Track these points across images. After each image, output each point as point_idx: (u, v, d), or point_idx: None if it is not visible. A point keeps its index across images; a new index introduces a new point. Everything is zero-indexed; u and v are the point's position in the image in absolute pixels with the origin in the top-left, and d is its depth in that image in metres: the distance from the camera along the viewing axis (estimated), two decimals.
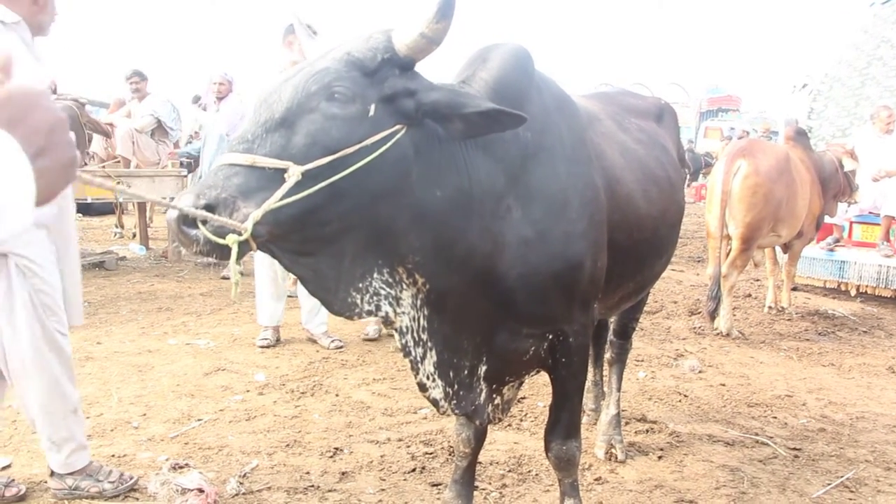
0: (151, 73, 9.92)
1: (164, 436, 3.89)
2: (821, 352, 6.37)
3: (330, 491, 3.33)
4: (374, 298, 2.07)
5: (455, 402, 2.36)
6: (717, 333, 6.65)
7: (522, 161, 2.26)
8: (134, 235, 10.72)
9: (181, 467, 3.45)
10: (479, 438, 2.94)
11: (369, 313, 2.07)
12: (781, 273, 7.91)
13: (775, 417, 4.66)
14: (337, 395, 4.60)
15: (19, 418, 3.86)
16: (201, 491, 3.14)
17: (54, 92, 7.42)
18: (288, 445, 3.81)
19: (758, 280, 9.26)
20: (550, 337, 2.50)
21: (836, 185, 7.78)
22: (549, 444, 2.74)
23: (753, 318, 7.51)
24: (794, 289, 8.81)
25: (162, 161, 9.66)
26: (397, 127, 1.93)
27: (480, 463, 3.59)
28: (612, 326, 4.04)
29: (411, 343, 2.21)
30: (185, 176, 9.46)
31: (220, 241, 1.70)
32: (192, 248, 1.72)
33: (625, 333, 4.02)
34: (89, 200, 8.74)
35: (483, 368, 2.40)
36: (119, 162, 9.51)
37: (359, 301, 2.04)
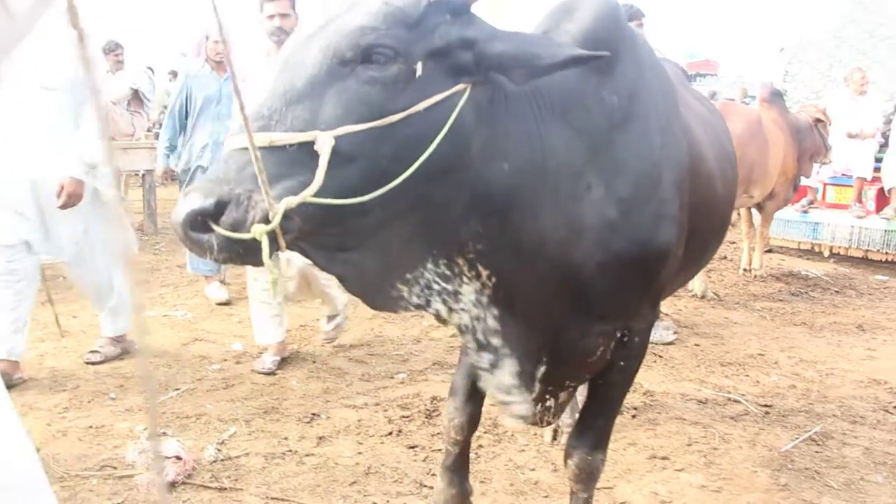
0: (127, 43, 9.78)
1: (142, 406, 3.89)
2: (793, 311, 6.48)
3: (308, 455, 3.36)
4: (425, 293, 1.77)
5: (537, 415, 2.11)
6: (693, 295, 6.73)
7: (608, 131, 1.91)
8: None
9: (161, 435, 3.47)
10: (472, 425, 2.61)
11: (418, 307, 1.78)
12: (756, 235, 8.00)
13: (747, 376, 4.75)
14: (314, 363, 4.63)
15: None
16: (179, 458, 3.16)
17: None
18: (265, 412, 3.84)
19: (733, 242, 9.34)
20: (618, 335, 2.17)
21: (811, 145, 7.84)
22: (572, 451, 2.35)
23: (728, 280, 7.61)
24: (769, 251, 8.94)
25: (136, 133, 9.55)
26: (457, 88, 1.60)
27: None
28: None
29: (474, 346, 1.92)
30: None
31: (243, 236, 1.39)
32: (207, 254, 1.42)
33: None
34: None
35: (541, 370, 2.08)
36: None
37: (406, 293, 1.75)
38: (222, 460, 3.30)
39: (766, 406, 4.19)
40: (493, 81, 1.68)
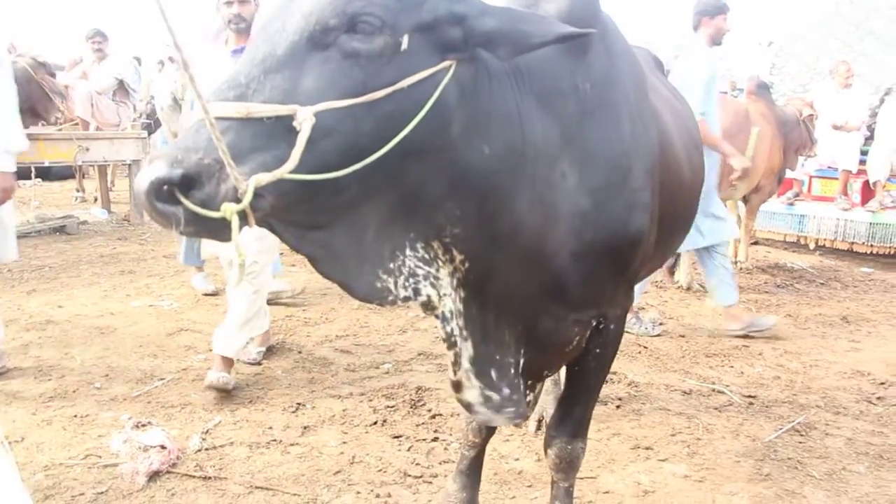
0: (112, 33, 9.71)
1: (127, 395, 3.88)
2: (779, 303, 6.51)
3: (292, 445, 3.37)
4: (412, 280, 1.71)
5: (490, 405, 1.99)
6: (678, 287, 6.75)
7: (581, 118, 1.88)
8: (95, 199, 10.57)
9: (143, 425, 3.46)
10: (490, 428, 2.57)
11: (406, 299, 1.72)
12: (742, 228, 8.03)
13: (732, 367, 4.77)
14: (300, 353, 4.62)
15: None
16: (163, 447, 3.16)
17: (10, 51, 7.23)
18: (251, 402, 3.83)
19: None
20: (594, 323, 2.16)
21: (797, 138, 7.86)
22: (552, 440, 2.36)
23: None
24: (755, 243, 8.99)
25: (122, 123, 9.50)
26: (443, 65, 1.53)
27: (441, 415, 3.66)
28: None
29: (457, 332, 1.85)
30: (146, 138, 9.33)
31: (212, 213, 1.31)
32: (173, 227, 1.32)
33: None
34: (47, 164, 8.56)
35: (521, 362, 2.04)
36: (77, 124, 9.33)
37: (392, 286, 1.67)
38: (207, 449, 3.30)
39: (749, 397, 4.22)
40: (477, 59, 1.63)
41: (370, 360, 4.51)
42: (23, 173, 10.78)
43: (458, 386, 1.94)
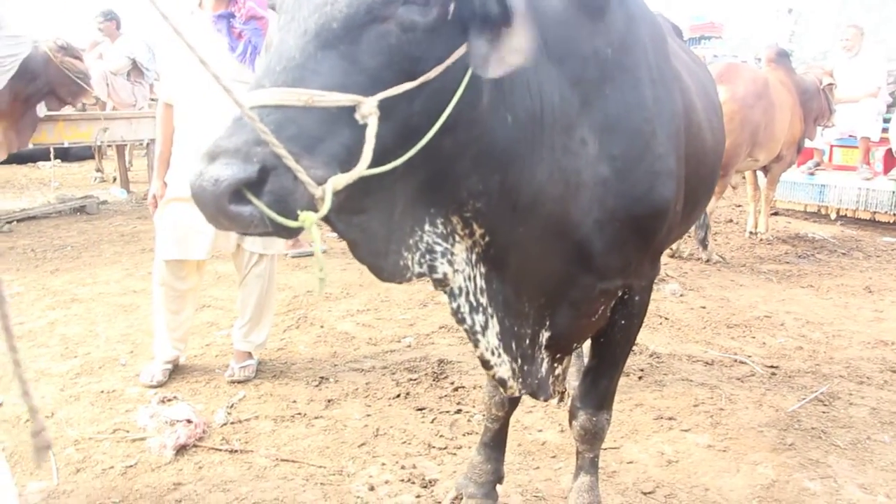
0: (124, 13, 9.71)
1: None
2: (800, 274, 6.47)
3: (317, 418, 3.39)
4: (428, 257, 1.65)
5: (521, 379, 1.97)
6: (698, 259, 6.71)
7: (600, 84, 1.81)
8: (115, 179, 10.62)
9: (169, 400, 3.50)
10: (513, 401, 2.57)
11: (420, 276, 1.66)
12: (762, 198, 7.96)
13: (754, 337, 4.75)
14: (322, 327, 4.65)
15: None
16: (189, 421, 3.20)
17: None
18: (274, 376, 3.87)
19: (739, 206, 9.32)
20: (619, 294, 2.13)
21: (817, 107, 7.76)
22: (577, 411, 2.36)
23: (735, 243, 7.59)
24: (776, 213, 8.92)
25: (138, 103, 9.52)
26: (472, 36, 1.45)
27: (464, 387, 3.68)
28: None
29: (466, 309, 1.80)
30: None
31: (291, 224, 1.19)
32: (246, 229, 1.21)
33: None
34: (66, 145, 8.60)
35: (546, 335, 2.02)
36: (95, 105, 9.36)
37: (410, 262, 1.62)
38: (232, 423, 3.33)
39: (772, 367, 4.21)
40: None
41: (392, 334, 4.53)
42: (42, 154, 10.96)
43: (487, 364, 1.90)
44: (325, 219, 1.31)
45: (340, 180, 1.23)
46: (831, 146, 9.04)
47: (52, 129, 7.92)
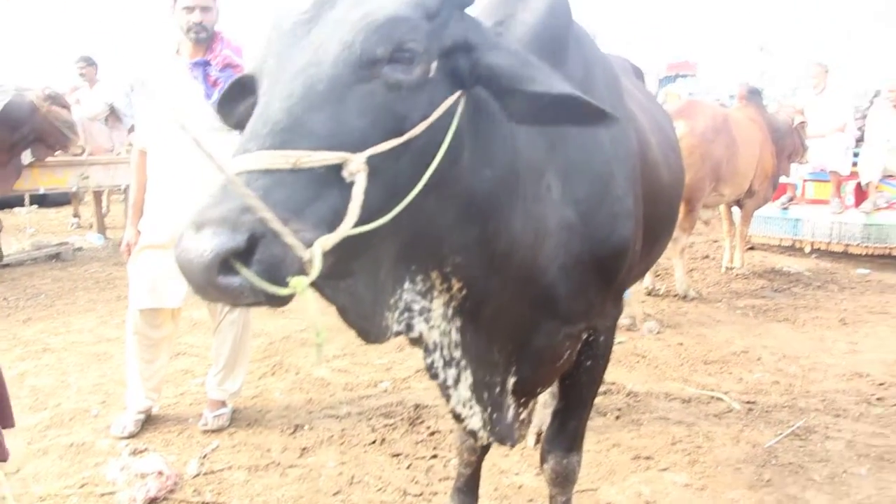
0: (101, 58, 9.75)
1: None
2: (776, 308, 6.51)
3: (291, 466, 3.35)
4: (406, 315, 1.61)
5: (491, 427, 1.94)
6: (675, 295, 6.75)
7: (563, 128, 1.81)
8: (91, 225, 10.57)
9: (141, 452, 3.45)
10: (485, 446, 2.49)
11: (398, 334, 1.62)
12: (737, 233, 8.04)
13: (731, 373, 4.77)
14: (297, 374, 4.61)
15: None
16: (161, 473, 3.14)
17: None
18: (249, 425, 3.82)
19: (716, 241, 9.39)
20: (584, 336, 2.15)
21: (790, 144, 7.89)
22: (547, 454, 2.34)
23: (711, 279, 7.64)
24: (752, 248, 9.00)
25: (115, 148, 9.51)
26: (457, 94, 1.46)
27: (440, 432, 3.65)
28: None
29: (440, 364, 1.76)
30: None
31: (282, 291, 1.13)
32: (237, 301, 1.16)
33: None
34: (42, 191, 8.56)
35: (512, 381, 2.00)
36: (81, 153, 9.34)
37: (390, 321, 1.57)
38: (205, 474, 3.28)
39: (749, 403, 4.21)
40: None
41: (368, 379, 4.50)
42: (17, 200, 10.89)
43: (458, 417, 1.87)
44: (315, 286, 1.24)
45: (328, 240, 1.18)
46: (804, 181, 9.16)
47: (28, 174, 7.88)
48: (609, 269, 2.01)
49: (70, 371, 4.68)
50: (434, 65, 1.39)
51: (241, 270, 1.11)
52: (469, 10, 1.61)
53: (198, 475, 3.27)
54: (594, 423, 3.84)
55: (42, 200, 12.40)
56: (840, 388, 4.47)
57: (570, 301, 1.94)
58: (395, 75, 1.33)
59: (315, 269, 1.14)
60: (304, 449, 3.53)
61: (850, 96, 8.88)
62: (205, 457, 3.44)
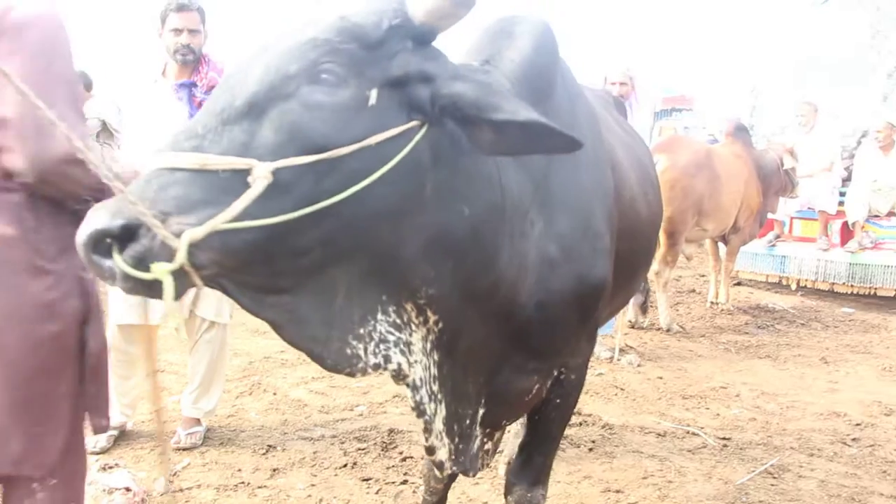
0: (95, 74, 9.79)
1: (97, 438, 3.85)
2: (758, 344, 6.54)
3: (260, 487, 3.34)
4: (382, 347, 1.60)
5: (455, 458, 1.93)
6: (658, 328, 6.77)
7: (546, 164, 1.83)
8: None
9: (111, 468, 3.42)
10: (452, 476, 2.52)
11: (377, 367, 1.61)
12: (722, 269, 8.08)
13: (708, 408, 4.77)
14: (275, 394, 4.60)
15: None
16: (128, 490, 3.12)
17: None
18: (222, 444, 3.81)
19: (703, 276, 9.43)
20: (555, 372, 2.14)
21: (777, 181, 7.95)
22: (512, 486, 2.30)
23: (696, 313, 7.67)
24: (739, 283, 9.04)
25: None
26: (413, 124, 1.46)
27: (412, 457, 3.64)
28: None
29: (427, 399, 1.75)
30: None
31: (142, 275, 1.23)
32: (110, 282, 1.26)
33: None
34: None
35: (481, 412, 1.98)
36: None
37: (361, 352, 1.57)
38: (174, 492, 3.26)
39: (724, 439, 4.21)
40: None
41: (345, 402, 4.50)
42: None
43: (431, 450, 1.86)
44: (221, 287, 1.36)
45: (197, 232, 1.23)
46: (791, 218, 9.23)
47: None
48: (586, 305, 2.00)
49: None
50: (374, 92, 1.41)
51: (114, 254, 1.23)
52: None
53: (165, 493, 3.24)
54: (566, 454, 3.84)
55: None
56: (816, 427, 4.48)
57: (543, 337, 1.94)
58: (315, 96, 1.36)
59: (179, 258, 1.22)
60: (274, 470, 3.52)
61: (838, 136, 8.97)
62: (174, 474, 3.42)
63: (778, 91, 11.01)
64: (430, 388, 1.75)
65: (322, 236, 1.38)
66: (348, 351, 1.54)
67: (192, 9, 3.68)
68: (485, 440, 2.10)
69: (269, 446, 3.78)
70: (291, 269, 1.40)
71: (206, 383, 3.84)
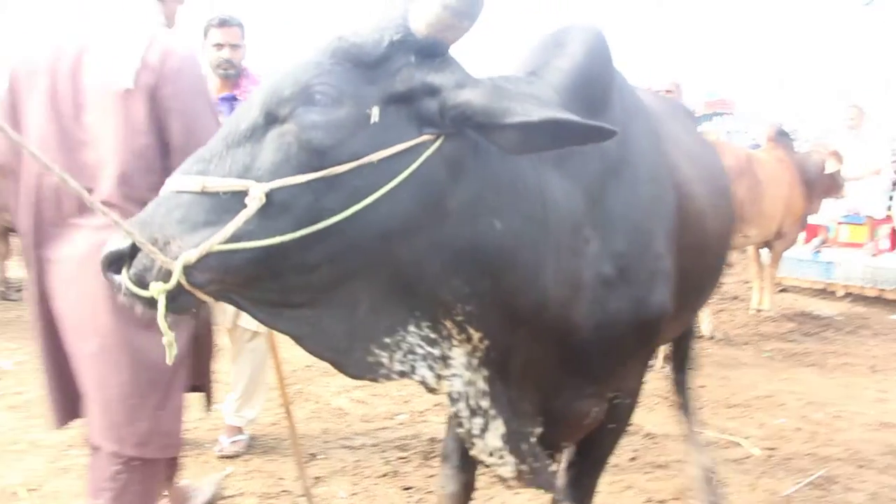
0: None
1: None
2: (804, 352, 6.41)
3: (302, 496, 3.36)
4: (409, 358, 1.60)
5: (532, 476, 1.88)
6: (700, 336, 6.68)
7: (603, 179, 1.78)
8: None
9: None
10: (466, 494, 2.43)
11: (402, 374, 1.61)
12: (766, 275, 7.95)
13: (752, 418, 4.70)
14: (317, 403, 4.65)
15: None
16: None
17: None
18: (264, 452, 3.86)
19: (747, 282, 9.28)
20: (611, 396, 2.06)
21: (821, 185, 7.80)
22: (557, 503, 2.25)
23: (739, 320, 7.55)
24: (784, 290, 8.88)
25: None
26: (422, 139, 1.44)
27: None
28: (671, 362, 3.55)
29: (466, 413, 1.73)
30: None
31: (141, 292, 1.33)
32: (121, 296, 1.38)
33: (683, 365, 3.48)
34: None
35: (537, 432, 1.94)
36: None
37: (385, 360, 1.58)
38: (217, 500, 3.31)
39: (769, 449, 4.15)
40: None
41: (385, 411, 4.53)
42: None
43: (483, 463, 1.84)
44: (233, 302, 1.44)
45: (191, 254, 1.31)
46: (838, 223, 9.06)
47: None
48: (644, 330, 1.92)
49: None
50: (376, 110, 1.41)
51: (123, 271, 1.36)
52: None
53: (209, 500, 3.30)
54: (608, 463, 3.80)
55: None
56: (866, 438, 4.38)
57: (600, 360, 1.89)
58: (310, 116, 1.38)
59: (174, 278, 1.30)
60: (316, 478, 3.55)
61: (887, 139, 8.78)
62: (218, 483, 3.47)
63: (822, 94, 10.82)
64: (476, 402, 1.72)
65: (328, 253, 1.40)
66: (370, 359, 1.56)
67: (233, 24, 3.76)
68: (548, 461, 2.03)
69: (311, 454, 3.82)
70: (302, 284, 1.44)
71: (249, 392, 3.89)
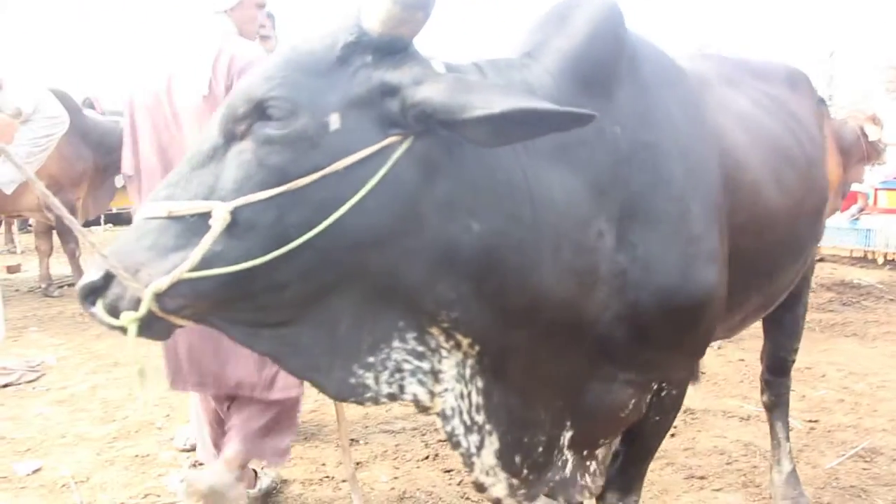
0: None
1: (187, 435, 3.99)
2: (844, 322, 6.33)
3: (344, 481, 3.40)
4: (396, 376, 1.52)
5: (525, 491, 1.78)
6: None
7: (614, 167, 1.66)
8: None
9: (201, 464, 3.55)
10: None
11: (391, 397, 1.54)
12: None
13: (793, 390, 4.58)
14: None
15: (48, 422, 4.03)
16: None
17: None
18: (305, 439, 3.90)
19: None
20: (654, 387, 1.96)
21: (858, 153, 7.63)
22: (605, 492, 2.13)
23: None
24: (821, 259, 8.73)
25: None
26: (387, 142, 1.36)
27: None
28: (764, 362, 3.45)
29: (461, 430, 1.62)
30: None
31: (113, 322, 1.33)
32: (100, 324, 1.38)
33: (782, 368, 3.36)
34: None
35: (567, 436, 1.84)
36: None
37: (371, 381, 1.51)
38: (279, 482, 3.37)
39: (811, 421, 4.11)
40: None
41: None
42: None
43: (481, 487, 1.72)
44: (210, 324, 1.44)
45: (162, 282, 1.30)
46: (876, 189, 8.88)
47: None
48: (683, 320, 1.80)
49: (137, 384, 4.84)
50: (335, 117, 1.35)
51: (97, 302, 1.35)
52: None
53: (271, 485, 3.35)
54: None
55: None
56: None
57: (630, 349, 1.78)
58: (265, 131, 1.35)
59: (143, 307, 1.30)
60: (358, 463, 3.59)
61: None
62: (261, 469, 3.53)
63: (858, 57, 10.58)
64: (470, 417, 1.62)
65: (299, 271, 1.36)
66: (352, 380, 1.50)
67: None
68: (587, 462, 1.96)
69: (352, 440, 3.85)
70: (276, 303, 1.41)
71: None
